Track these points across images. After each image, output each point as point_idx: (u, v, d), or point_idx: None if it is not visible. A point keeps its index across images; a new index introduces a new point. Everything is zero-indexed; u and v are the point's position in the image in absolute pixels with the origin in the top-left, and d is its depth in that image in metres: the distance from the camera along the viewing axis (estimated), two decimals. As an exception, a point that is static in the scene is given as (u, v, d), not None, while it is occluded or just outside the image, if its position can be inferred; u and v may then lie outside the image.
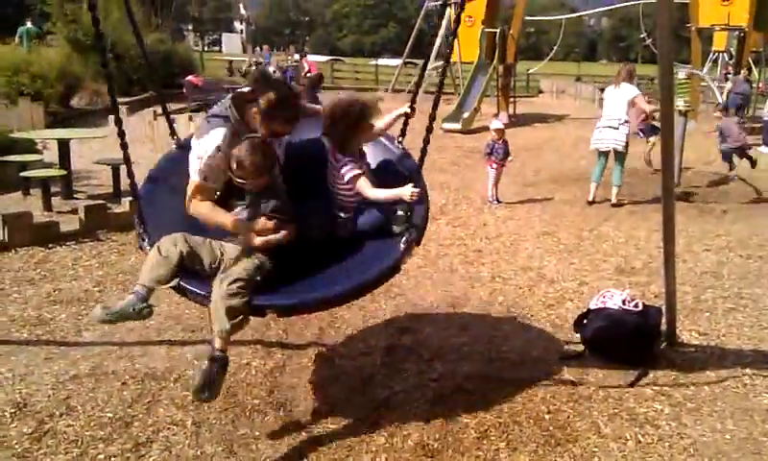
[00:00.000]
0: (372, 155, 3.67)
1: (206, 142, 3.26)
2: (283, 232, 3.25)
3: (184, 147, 3.73)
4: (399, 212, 3.28)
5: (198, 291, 3.12)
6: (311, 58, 24.71)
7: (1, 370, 3.95)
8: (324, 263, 3.35)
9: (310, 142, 3.72)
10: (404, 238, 3.22)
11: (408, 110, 3.61)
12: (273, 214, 3.26)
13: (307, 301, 3.13)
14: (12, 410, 3.51)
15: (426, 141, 3.22)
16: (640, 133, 10.75)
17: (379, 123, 3.61)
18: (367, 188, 3.38)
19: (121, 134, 3.16)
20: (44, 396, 3.67)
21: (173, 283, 3.11)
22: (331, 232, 3.49)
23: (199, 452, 3.20)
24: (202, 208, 3.28)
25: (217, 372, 2.95)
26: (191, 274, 3.15)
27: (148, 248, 3.23)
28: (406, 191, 3.24)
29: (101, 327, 4.59)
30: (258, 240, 3.20)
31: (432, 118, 3.23)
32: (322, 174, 3.56)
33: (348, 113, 3.42)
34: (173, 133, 3.89)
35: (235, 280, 3.00)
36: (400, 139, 3.74)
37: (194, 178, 3.29)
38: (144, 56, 3.92)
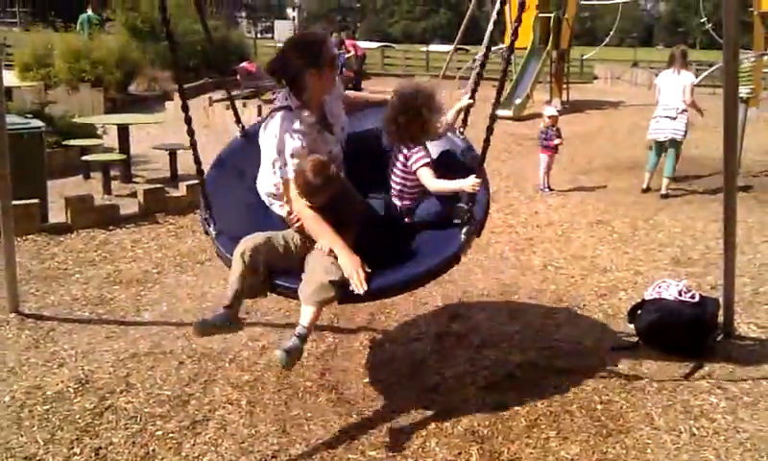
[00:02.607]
0: (434, 145, 3.63)
1: (280, 140, 3.24)
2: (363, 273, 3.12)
3: (248, 135, 3.80)
4: (460, 204, 3.25)
5: (288, 286, 3.17)
6: (361, 44, 24.70)
7: (65, 347, 4.11)
8: (385, 252, 3.34)
9: (369, 133, 3.72)
10: (465, 229, 3.21)
11: (470, 102, 3.59)
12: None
13: (372, 289, 3.11)
14: (76, 386, 3.65)
15: (489, 131, 3.15)
16: None
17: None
18: (430, 179, 3.34)
19: (188, 121, 3.24)
20: (105, 373, 3.81)
21: (266, 294, 3.27)
22: (392, 222, 3.48)
23: (253, 431, 3.28)
24: (308, 217, 3.21)
25: (301, 348, 3.04)
26: (276, 272, 3.19)
27: (213, 233, 3.32)
28: (468, 182, 3.19)
29: (159, 308, 4.73)
30: (348, 271, 3.07)
31: (495, 111, 3.16)
32: (380, 163, 3.56)
33: (415, 104, 3.36)
34: (238, 120, 3.92)
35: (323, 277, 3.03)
36: (462, 129, 3.73)
37: (287, 175, 3.24)
38: (210, 40, 4.08)
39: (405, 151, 3.40)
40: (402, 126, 3.37)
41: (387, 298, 3.78)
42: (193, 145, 3.28)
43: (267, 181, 3.36)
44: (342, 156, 3.48)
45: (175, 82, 14.87)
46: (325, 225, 3.19)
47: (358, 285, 3.03)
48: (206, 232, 3.41)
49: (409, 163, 3.39)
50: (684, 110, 8.17)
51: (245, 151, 3.68)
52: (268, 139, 3.29)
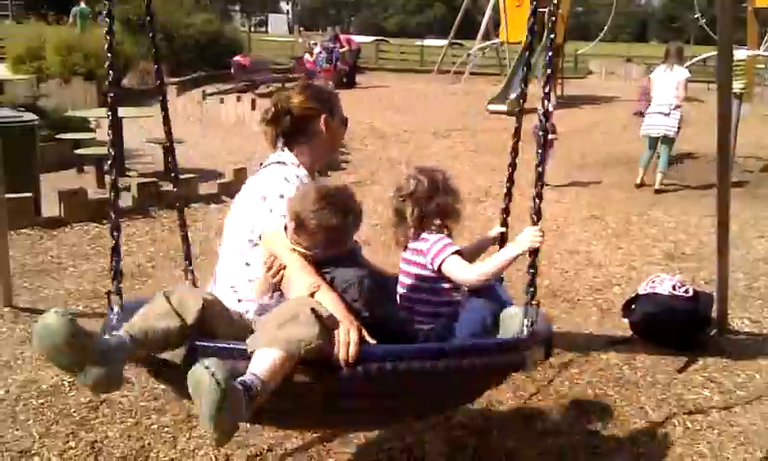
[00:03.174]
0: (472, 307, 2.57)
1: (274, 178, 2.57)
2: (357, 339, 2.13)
3: None
4: (511, 310, 2.44)
5: (221, 346, 2.20)
6: (355, 38, 24.67)
7: (59, 340, 4.09)
8: None
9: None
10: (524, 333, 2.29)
11: (503, 230, 2.92)
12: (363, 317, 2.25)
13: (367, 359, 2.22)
14: (71, 380, 3.63)
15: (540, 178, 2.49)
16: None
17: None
18: (466, 269, 2.48)
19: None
20: (100, 366, 3.79)
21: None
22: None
23: (248, 425, 3.26)
24: (294, 262, 2.33)
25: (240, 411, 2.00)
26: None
27: (115, 314, 2.34)
28: (525, 238, 2.41)
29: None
30: (340, 341, 2.08)
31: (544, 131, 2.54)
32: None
33: (423, 187, 2.60)
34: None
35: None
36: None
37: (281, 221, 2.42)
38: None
39: (419, 246, 2.58)
40: (410, 214, 2.58)
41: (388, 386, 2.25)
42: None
43: (243, 231, 2.56)
44: None
45: (169, 76, 14.86)
46: (316, 275, 2.30)
47: (344, 352, 2.05)
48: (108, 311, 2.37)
49: (428, 259, 2.52)
50: (678, 106, 8.20)
51: None
52: (252, 185, 2.66)
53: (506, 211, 2.94)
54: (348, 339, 2.07)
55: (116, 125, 2.68)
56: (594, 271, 5.57)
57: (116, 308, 2.34)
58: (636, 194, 8.27)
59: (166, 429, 3.24)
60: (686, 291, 4.28)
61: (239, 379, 1.91)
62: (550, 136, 8.39)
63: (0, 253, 4.45)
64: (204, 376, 1.81)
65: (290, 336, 1.97)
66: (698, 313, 4.22)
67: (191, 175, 7.43)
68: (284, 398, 2.07)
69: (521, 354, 2.26)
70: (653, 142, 8.48)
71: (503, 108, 15.37)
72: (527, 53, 2.78)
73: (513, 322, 2.36)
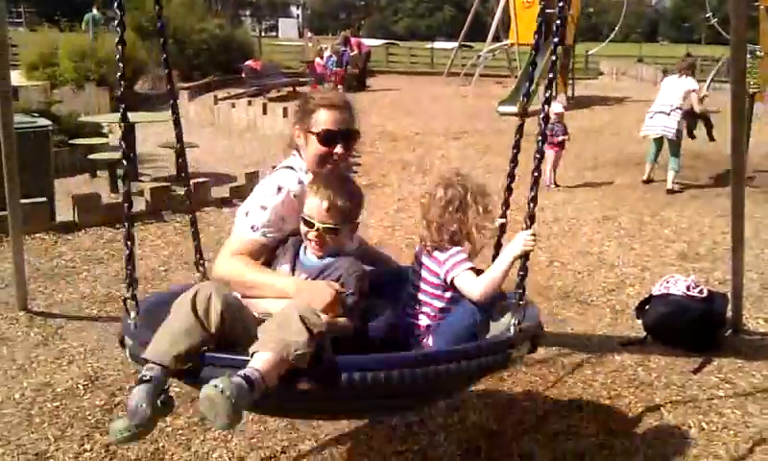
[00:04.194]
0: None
1: (266, 185, 2.65)
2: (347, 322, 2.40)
3: None
4: (503, 306, 2.55)
5: (233, 357, 2.22)
6: (365, 41, 24.71)
7: (74, 344, 4.13)
8: None
9: None
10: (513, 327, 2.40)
11: (503, 221, 2.94)
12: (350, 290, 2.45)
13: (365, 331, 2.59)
14: (85, 383, 3.66)
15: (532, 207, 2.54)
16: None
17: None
18: (475, 283, 2.51)
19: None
20: (114, 370, 3.81)
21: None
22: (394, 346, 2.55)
23: (262, 427, 3.28)
24: (246, 270, 2.52)
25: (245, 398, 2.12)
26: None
27: (132, 319, 2.47)
28: (518, 244, 2.46)
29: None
30: (324, 317, 2.23)
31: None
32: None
33: (462, 197, 2.64)
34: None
35: None
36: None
37: (247, 234, 2.59)
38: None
39: (438, 256, 2.61)
40: (439, 224, 2.61)
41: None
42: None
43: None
44: None
45: (181, 81, 14.95)
46: (268, 269, 2.54)
47: (339, 326, 2.32)
48: (125, 315, 2.49)
49: (443, 270, 2.58)
50: (679, 108, 8.19)
51: None
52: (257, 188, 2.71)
53: (506, 204, 3.01)
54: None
55: (128, 137, 2.70)
56: (607, 272, 5.55)
57: (133, 314, 2.44)
58: (649, 194, 8.22)
59: (180, 432, 3.25)
60: (701, 291, 4.25)
61: (241, 372, 2.01)
62: (561, 137, 8.42)
63: (15, 257, 4.49)
64: (217, 397, 1.92)
65: (282, 341, 2.07)
66: (712, 314, 4.19)
67: (203, 179, 7.46)
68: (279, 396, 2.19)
69: (507, 354, 2.38)
70: (658, 143, 8.47)
71: (514, 109, 15.30)
72: (534, 52, 2.79)
73: (502, 317, 2.50)
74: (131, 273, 2.47)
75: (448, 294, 2.61)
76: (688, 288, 4.26)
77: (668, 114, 8.19)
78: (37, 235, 5.97)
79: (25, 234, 5.21)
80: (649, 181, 8.52)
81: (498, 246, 2.97)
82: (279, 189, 2.60)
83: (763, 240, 6.36)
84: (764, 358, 4.08)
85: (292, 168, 2.69)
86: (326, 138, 2.59)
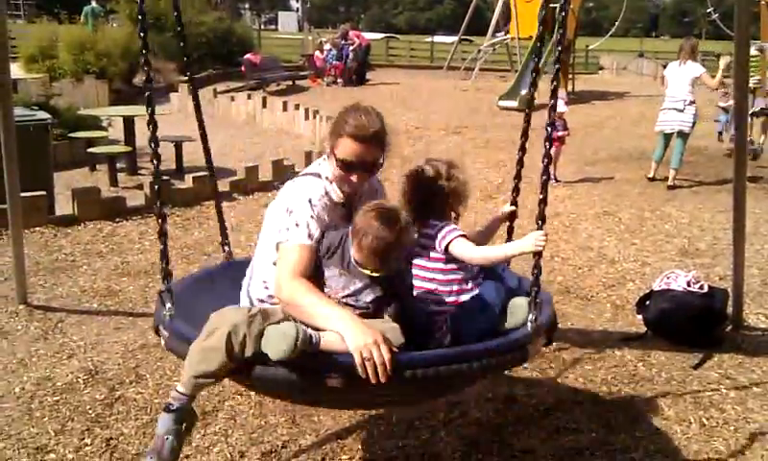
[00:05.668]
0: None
1: (296, 200, 2.58)
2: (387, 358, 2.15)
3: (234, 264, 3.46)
4: (518, 300, 2.58)
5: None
6: (365, 34, 24.64)
7: (74, 338, 4.12)
8: None
9: None
10: (531, 322, 2.46)
11: (513, 208, 3.05)
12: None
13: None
14: (85, 377, 3.65)
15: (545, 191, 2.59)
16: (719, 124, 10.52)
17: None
18: (471, 249, 2.57)
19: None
20: (114, 364, 3.81)
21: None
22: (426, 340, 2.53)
23: (263, 422, 3.29)
24: (306, 297, 2.36)
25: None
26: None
27: (168, 311, 2.56)
28: (529, 241, 2.48)
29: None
30: (358, 359, 2.14)
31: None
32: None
33: (436, 176, 2.72)
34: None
35: None
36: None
37: (297, 240, 2.49)
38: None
39: (429, 231, 2.66)
40: (421, 203, 2.69)
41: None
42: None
43: (265, 263, 2.71)
44: None
45: (181, 73, 14.90)
46: (326, 298, 2.40)
47: (372, 371, 2.14)
48: (160, 307, 2.60)
49: (437, 242, 2.61)
50: (692, 102, 8.15)
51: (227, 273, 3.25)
52: (279, 204, 2.65)
53: (516, 191, 3.15)
54: (377, 360, 2.15)
55: (154, 136, 2.82)
56: (607, 267, 5.55)
57: (168, 305, 2.56)
58: (650, 189, 8.22)
59: (181, 426, 3.24)
60: (701, 287, 4.25)
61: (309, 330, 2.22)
62: (561, 133, 8.40)
63: (15, 251, 4.48)
64: (290, 329, 2.17)
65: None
66: (713, 309, 4.19)
67: (203, 172, 7.44)
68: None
69: (525, 350, 2.45)
70: (667, 138, 8.44)
71: (514, 104, 15.30)
72: (538, 44, 2.79)
73: (519, 312, 2.54)
74: (165, 266, 2.61)
75: (451, 266, 2.63)
76: (689, 284, 4.26)
77: (682, 110, 8.15)
78: (37, 229, 5.96)
79: (24, 228, 5.20)
80: (654, 179, 8.50)
81: (510, 231, 3.09)
82: (310, 202, 2.58)
83: (763, 236, 6.36)
84: (765, 354, 4.08)
85: (319, 176, 2.69)
86: (345, 167, 2.60)
